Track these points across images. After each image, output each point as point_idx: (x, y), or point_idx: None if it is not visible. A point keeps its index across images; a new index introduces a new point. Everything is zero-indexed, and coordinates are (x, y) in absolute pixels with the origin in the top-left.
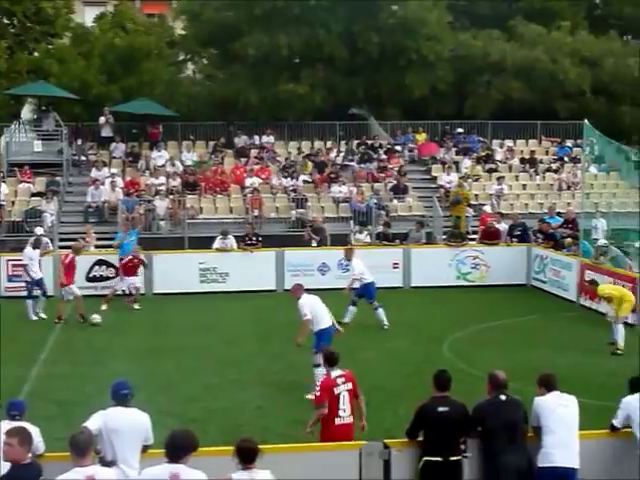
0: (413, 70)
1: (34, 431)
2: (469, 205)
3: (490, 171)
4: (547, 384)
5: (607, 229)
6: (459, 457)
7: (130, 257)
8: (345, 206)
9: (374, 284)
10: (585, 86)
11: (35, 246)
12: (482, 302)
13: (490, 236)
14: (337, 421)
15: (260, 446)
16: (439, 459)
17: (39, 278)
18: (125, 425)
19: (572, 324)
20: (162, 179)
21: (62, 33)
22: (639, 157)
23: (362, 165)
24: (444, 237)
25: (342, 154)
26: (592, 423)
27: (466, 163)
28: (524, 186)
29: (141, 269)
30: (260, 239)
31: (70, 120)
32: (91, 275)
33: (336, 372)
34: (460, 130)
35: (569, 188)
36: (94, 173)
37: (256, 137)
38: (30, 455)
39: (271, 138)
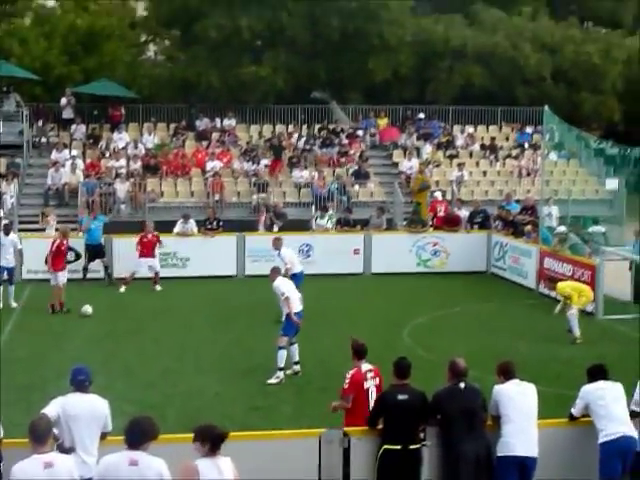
0: (375, 54)
1: None
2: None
3: (451, 157)
4: (506, 372)
5: (565, 216)
6: (419, 445)
7: (141, 235)
8: (306, 191)
9: (301, 274)
10: (545, 72)
11: (6, 232)
12: (442, 289)
13: (450, 222)
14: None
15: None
16: (398, 447)
17: (10, 267)
18: (84, 412)
19: (531, 311)
20: (123, 162)
21: (23, 13)
22: (599, 144)
23: (324, 150)
24: (404, 223)
25: (304, 138)
26: (550, 411)
27: (427, 149)
28: (484, 172)
29: (157, 248)
30: (221, 224)
31: (31, 101)
32: None
33: (366, 366)
34: (421, 115)
35: (529, 175)
36: (54, 155)
37: (217, 120)
38: None
39: (232, 121)
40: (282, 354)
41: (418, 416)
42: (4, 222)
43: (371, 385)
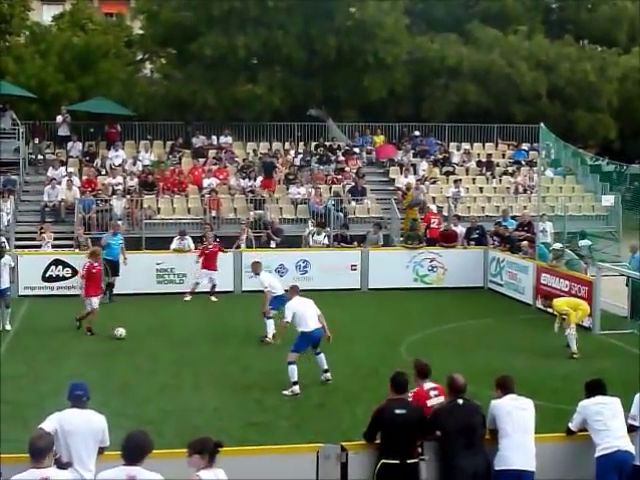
0: (370, 72)
1: None
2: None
3: (447, 174)
4: (504, 387)
5: (561, 232)
6: (416, 460)
7: (202, 247)
8: (303, 207)
9: (282, 297)
10: (541, 90)
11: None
12: (439, 304)
13: (447, 238)
14: None
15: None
16: (396, 462)
17: (4, 288)
18: (81, 427)
19: (528, 327)
20: (119, 179)
21: (19, 31)
22: (594, 161)
23: (320, 166)
24: (401, 239)
25: (300, 155)
26: (548, 426)
27: (423, 165)
28: (481, 189)
29: (219, 258)
30: (218, 240)
31: (27, 119)
32: (47, 275)
33: (428, 384)
34: (417, 133)
35: (525, 191)
36: (51, 172)
37: (214, 137)
38: None
39: (229, 139)
40: (292, 369)
41: (416, 430)
42: None
43: (435, 403)
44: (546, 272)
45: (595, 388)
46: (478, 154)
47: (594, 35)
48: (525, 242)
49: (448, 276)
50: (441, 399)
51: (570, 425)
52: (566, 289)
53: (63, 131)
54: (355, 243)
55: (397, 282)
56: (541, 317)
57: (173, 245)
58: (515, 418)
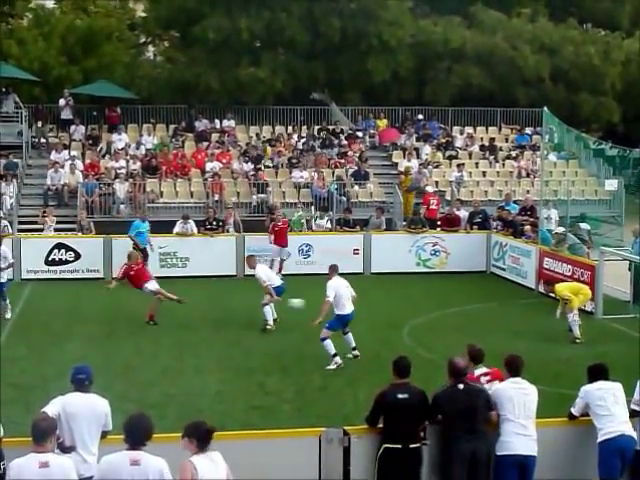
0: (374, 55)
1: None
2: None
3: (450, 158)
4: (512, 367)
5: (564, 216)
6: (419, 444)
7: (272, 224)
8: (306, 191)
9: (282, 287)
10: (544, 73)
11: None
12: (442, 288)
13: (450, 223)
14: None
15: (220, 432)
16: (399, 446)
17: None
18: (84, 410)
19: (530, 311)
20: (122, 162)
21: (22, 14)
22: (598, 145)
23: (323, 150)
24: (404, 223)
25: (303, 139)
26: (551, 411)
27: (426, 149)
28: (484, 173)
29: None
30: (221, 224)
31: (30, 102)
32: (50, 259)
33: (480, 370)
34: (420, 116)
35: (528, 175)
36: (54, 155)
37: (217, 121)
38: None
39: (232, 122)
40: (328, 343)
41: (418, 415)
42: None
43: (486, 388)
44: (549, 256)
45: (598, 373)
46: (481, 138)
47: (597, 18)
48: (528, 226)
49: (451, 260)
50: (495, 384)
51: (572, 410)
52: (569, 273)
53: (66, 114)
54: (358, 227)
55: (400, 266)
56: (543, 301)
57: (176, 229)
58: (517, 403)
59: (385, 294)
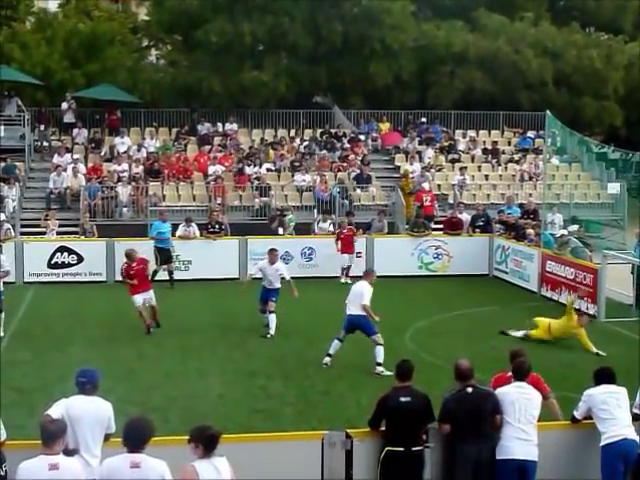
0: (376, 59)
1: None
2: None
3: (453, 161)
4: (517, 372)
5: (567, 219)
6: (421, 447)
7: (337, 232)
8: (308, 195)
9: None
10: (547, 77)
11: None
12: (444, 292)
13: (453, 226)
14: None
15: (222, 435)
16: (401, 449)
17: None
18: (87, 413)
19: (533, 314)
20: (125, 165)
21: (25, 18)
22: (600, 149)
23: (326, 154)
24: (406, 227)
25: (305, 142)
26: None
27: (429, 153)
28: (486, 177)
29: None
30: (223, 227)
31: (32, 105)
32: (53, 262)
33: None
34: (423, 120)
35: (531, 179)
36: (56, 159)
37: (219, 124)
38: None
39: (234, 126)
40: (381, 350)
41: (421, 418)
42: None
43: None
44: (551, 260)
45: (603, 377)
46: (484, 141)
47: (600, 22)
48: (530, 230)
49: (453, 264)
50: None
51: (575, 413)
52: (571, 277)
53: (68, 118)
54: (360, 231)
55: (402, 270)
56: (546, 305)
57: (179, 232)
58: (518, 408)
59: (387, 297)
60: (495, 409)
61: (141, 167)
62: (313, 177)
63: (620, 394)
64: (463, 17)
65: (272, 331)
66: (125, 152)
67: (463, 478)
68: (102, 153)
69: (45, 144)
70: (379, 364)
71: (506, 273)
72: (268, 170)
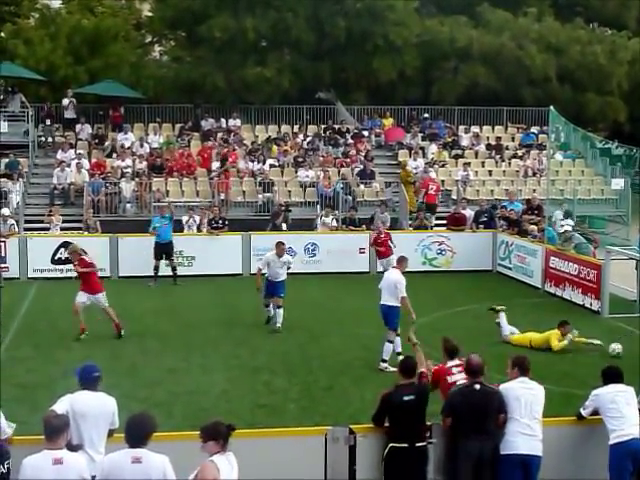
0: (380, 55)
1: None
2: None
3: (456, 157)
4: (520, 366)
5: (571, 216)
6: (425, 443)
7: (374, 236)
8: (312, 191)
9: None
10: (551, 73)
11: None
12: (448, 288)
13: (456, 222)
14: None
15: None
16: (405, 445)
17: None
18: (92, 409)
19: (537, 310)
20: (128, 161)
21: (29, 14)
22: (604, 144)
23: (329, 149)
24: (410, 222)
25: (309, 138)
26: (557, 410)
27: (432, 149)
28: (490, 172)
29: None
30: (226, 223)
31: (36, 101)
32: (56, 258)
33: (453, 362)
34: (426, 115)
35: (534, 175)
36: (60, 155)
37: (222, 120)
38: None
39: (237, 121)
40: (389, 347)
41: (424, 414)
42: None
43: (459, 379)
44: (555, 255)
45: (612, 376)
46: (487, 137)
47: (604, 18)
48: (533, 225)
49: (457, 259)
50: (463, 375)
51: (582, 411)
52: (575, 273)
53: (69, 114)
54: (364, 226)
55: None
56: (550, 301)
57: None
58: (523, 403)
59: None
60: (500, 407)
61: (144, 163)
62: (316, 173)
63: (628, 392)
64: (467, 13)
65: (279, 324)
66: (129, 148)
67: (464, 474)
68: (106, 149)
69: (49, 140)
70: (384, 360)
71: (510, 269)
72: (271, 166)
